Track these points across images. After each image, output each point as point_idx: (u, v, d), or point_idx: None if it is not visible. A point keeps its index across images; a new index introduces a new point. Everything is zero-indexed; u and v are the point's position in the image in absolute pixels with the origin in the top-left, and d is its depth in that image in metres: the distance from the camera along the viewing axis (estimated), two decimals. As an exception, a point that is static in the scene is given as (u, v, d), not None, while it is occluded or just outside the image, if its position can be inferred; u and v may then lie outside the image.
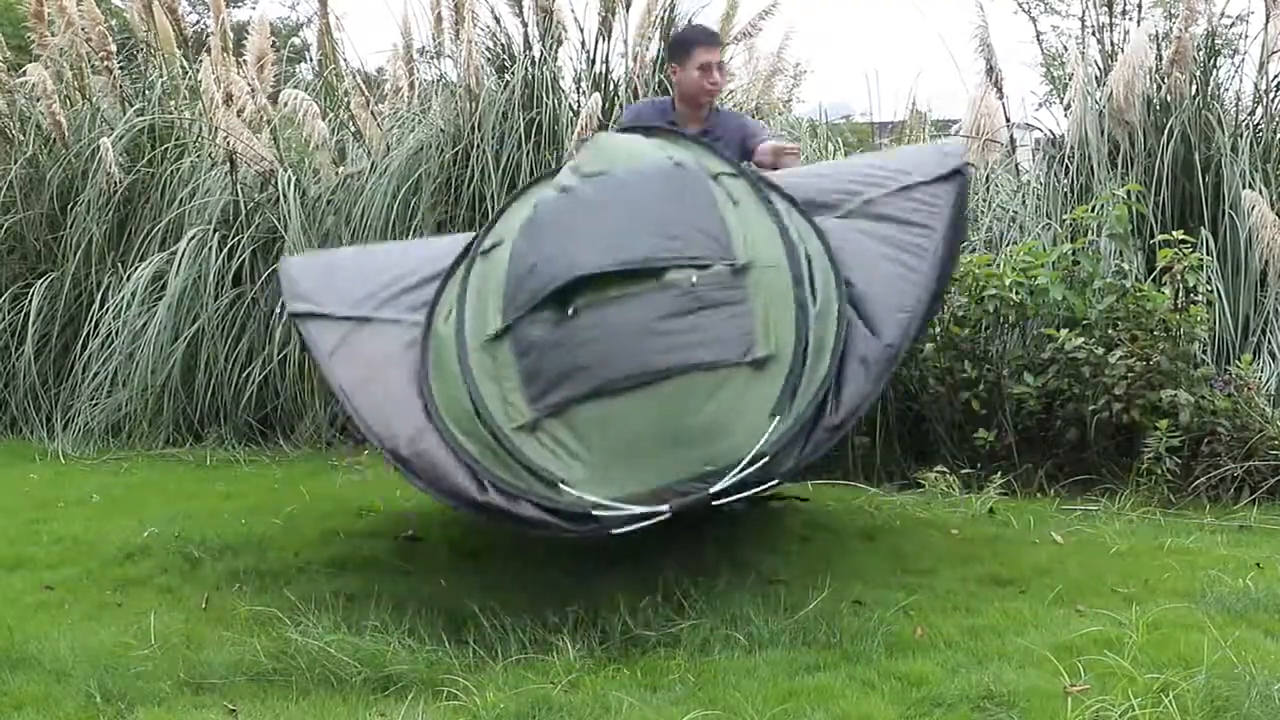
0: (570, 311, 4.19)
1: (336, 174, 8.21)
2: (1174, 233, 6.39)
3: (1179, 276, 6.26)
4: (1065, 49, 9.71)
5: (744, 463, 3.91)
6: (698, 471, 3.91)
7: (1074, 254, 6.58)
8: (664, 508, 3.84)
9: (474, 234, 4.95)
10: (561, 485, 3.91)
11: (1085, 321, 6.39)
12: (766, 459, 3.94)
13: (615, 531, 3.83)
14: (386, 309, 4.66)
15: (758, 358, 4.11)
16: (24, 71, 8.45)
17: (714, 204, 4.53)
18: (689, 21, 8.11)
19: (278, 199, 7.93)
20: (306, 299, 4.74)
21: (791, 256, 4.42)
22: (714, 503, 3.91)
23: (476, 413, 4.15)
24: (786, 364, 4.12)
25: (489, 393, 4.19)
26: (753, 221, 4.52)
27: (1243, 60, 7.78)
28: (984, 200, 7.99)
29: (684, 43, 5.68)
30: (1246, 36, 8.03)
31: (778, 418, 4.01)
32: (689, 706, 3.33)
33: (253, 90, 8.21)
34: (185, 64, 8.81)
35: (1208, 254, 6.72)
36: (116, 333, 7.68)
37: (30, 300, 8.13)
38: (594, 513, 3.84)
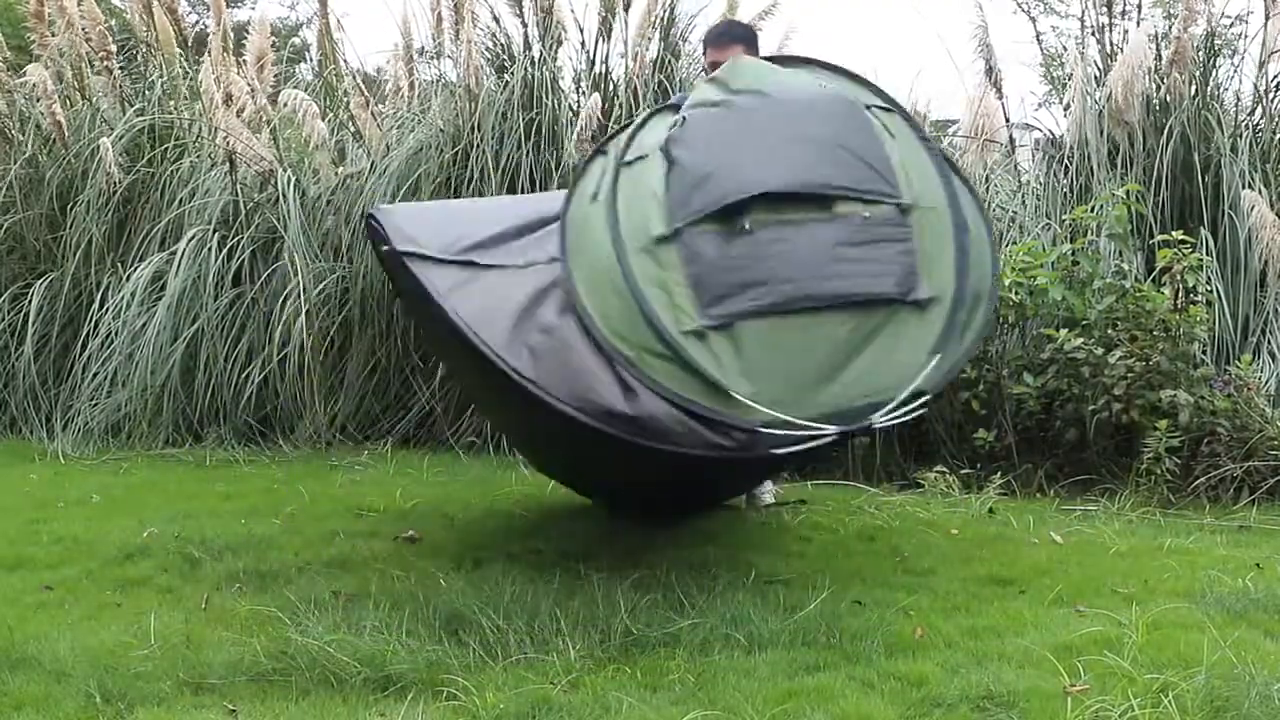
0: (746, 226, 4.19)
1: (336, 174, 8.21)
2: (1173, 233, 6.40)
3: (1178, 277, 6.26)
4: (1064, 49, 9.73)
5: (903, 398, 4.06)
6: (859, 403, 4.04)
7: (1073, 254, 6.59)
8: (830, 429, 3.95)
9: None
10: (734, 395, 3.96)
11: (1085, 322, 6.39)
12: (925, 395, 4.08)
13: (777, 451, 3.97)
14: (499, 256, 4.54)
15: (921, 298, 4.22)
16: (24, 72, 8.45)
17: (877, 136, 4.53)
18: (690, 21, 8.15)
19: (277, 199, 7.93)
20: (413, 241, 4.52)
21: (952, 200, 4.50)
22: (875, 428, 4.09)
23: (641, 312, 4.12)
24: (948, 306, 4.25)
25: (656, 298, 4.15)
26: (911, 160, 4.54)
27: (1242, 60, 7.79)
28: (983, 200, 7.99)
29: (703, 45, 5.77)
30: (1246, 37, 8.04)
31: (939, 355, 4.15)
32: (689, 706, 3.33)
33: (253, 90, 8.21)
34: (185, 64, 8.82)
35: (1207, 254, 6.73)
36: (116, 333, 7.67)
37: (30, 300, 8.13)
38: (760, 429, 3.93)
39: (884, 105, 4.78)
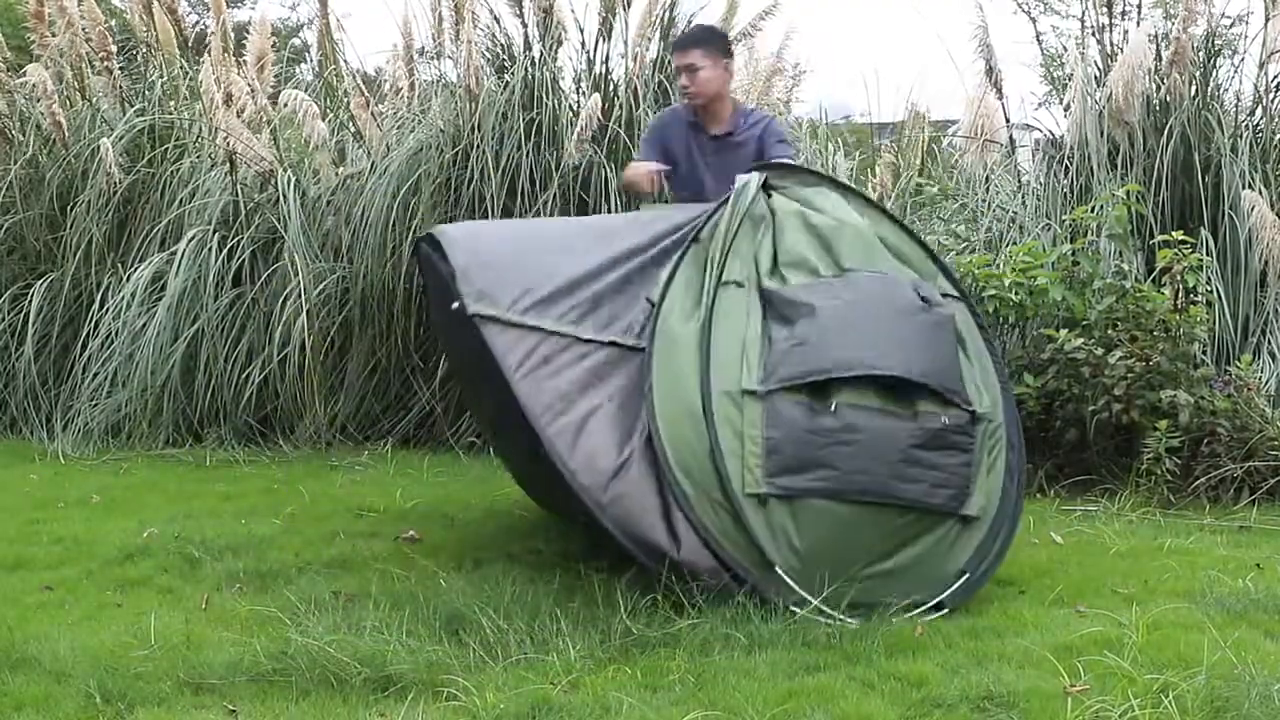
0: (833, 406, 4.18)
1: (336, 174, 8.20)
2: (1174, 233, 6.40)
3: (1179, 277, 6.26)
4: (1065, 49, 9.71)
5: (920, 610, 4.13)
6: (882, 600, 4.10)
7: (1073, 254, 6.59)
8: (852, 623, 3.98)
9: (659, 234, 4.70)
10: (776, 569, 4.05)
11: (1085, 322, 6.40)
12: (939, 608, 4.16)
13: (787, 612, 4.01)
14: (576, 316, 4.42)
15: (969, 515, 4.25)
16: (24, 72, 8.44)
17: (954, 341, 4.51)
18: (689, 21, 8.13)
19: (277, 199, 7.92)
20: (485, 296, 4.35)
21: (1008, 413, 4.55)
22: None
23: (712, 459, 4.12)
24: (986, 527, 4.31)
25: (729, 448, 4.14)
26: (977, 365, 4.56)
27: (1242, 61, 7.79)
28: (984, 200, 7.99)
29: (673, 50, 5.79)
30: (1246, 37, 8.03)
31: (966, 576, 4.23)
32: (689, 707, 3.33)
33: (253, 91, 8.21)
34: (185, 65, 8.81)
35: (1207, 254, 6.73)
36: (116, 333, 7.66)
37: (30, 301, 8.12)
38: (791, 608, 4.01)
39: (953, 293, 4.75)
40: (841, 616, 4.00)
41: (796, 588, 4.03)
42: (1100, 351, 6.17)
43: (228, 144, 7.85)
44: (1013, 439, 4.49)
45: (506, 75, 8.10)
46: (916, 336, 4.39)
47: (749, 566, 4.07)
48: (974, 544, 4.27)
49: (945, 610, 4.16)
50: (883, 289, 4.50)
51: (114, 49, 8.65)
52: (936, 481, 4.19)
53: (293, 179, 7.95)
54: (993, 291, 6.45)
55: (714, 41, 5.71)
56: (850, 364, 4.23)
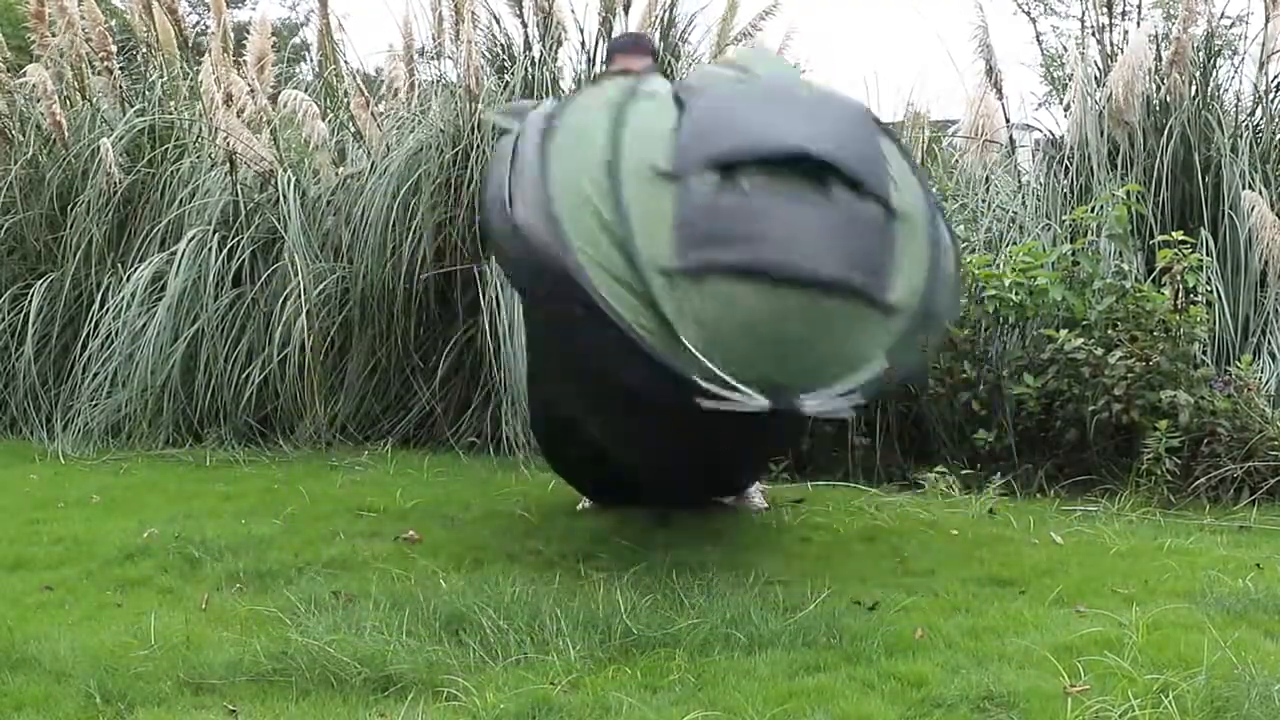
0: (745, 185, 4.21)
1: (336, 174, 8.20)
2: (1174, 233, 6.40)
3: (1179, 277, 6.26)
4: (1065, 49, 9.72)
5: (837, 391, 4.10)
6: (796, 382, 4.06)
7: (1073, 254, 6.59)
8: (759, 400, 3.94)
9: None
10: (684, 343, 3.98)
11: (1085, 322, 6.39)
12: (857, 394, 4.15)
13: (705, 404, 3.95)
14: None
15: (890, 302, 4.25)
16: (24, 72, 8.44)
17: (879, 142, 4.57)
18: (690, 21, 8.14)
19: (277, 199, 7.92)
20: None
21: (932, 217, 4.56)
22: (803, 412, 4.09)
23: (620, 240, 4.12)
24: (909, 316, 4.30)
25: (639, 228, 4.15)
26: (902, 175, 4.57)
27: (1242, 61, 7.79)
28: (984, 200, 7.99)
29: (610, 50, 5.78)
30: (1246, 37, 8.03)
31: (888, 363, 4.20)
32: (689, 707, 3.33)
33: (253, 91, 8.20)
34: (185, 65, 8.81)
35: (1207, 254, 6.73)
36: (116, 333, 7.66)
37: (30, 301, 8.12)
38: (699, 380, 3.94)
39: (882, 128, 4.84)
40: (750, 393, 3.95)
41: (705, 360, 3.96)
42: (1100, 351, 6.17)
43: (228, 144, 7.85)
44: (941, 239, 4.50)
45: (507, 75, 8.11)
46: (837, 122, 4.50)
47: (653, 340, 4.03)
48: (898, 332, 4.26)
49: (860, 400, 4.15)
50: (796, 80, 4.69)
51: (114, 49, 8.65)
52: (851, 263, 4.21)
53: (293, 179, 7.95)
54: (993, 291, 6.45)
55: (642, 46, 5.79)
56: (757, 145, 4.29)
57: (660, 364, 4.01)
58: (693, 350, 3.99)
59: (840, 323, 4.19)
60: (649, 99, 4.63)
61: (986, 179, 8.08)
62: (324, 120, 8.13)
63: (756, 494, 5.84)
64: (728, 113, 4.49)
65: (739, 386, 3.95)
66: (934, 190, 4.68)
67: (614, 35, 6.42)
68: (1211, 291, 6.61)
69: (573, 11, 8.26)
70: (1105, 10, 7.78)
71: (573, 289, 4.09)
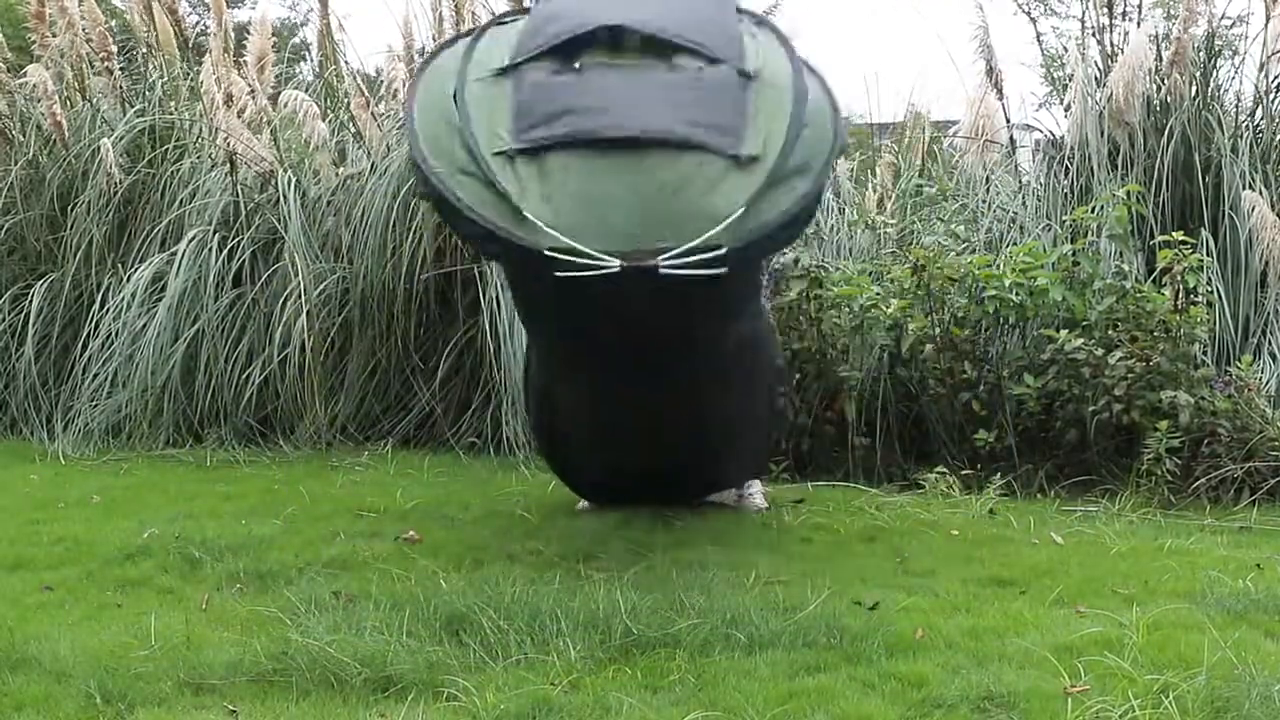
0: (577, 65, 4.38)
1: (337, 175, 8.20)
2: (1174, 234, 6.40)
3: (1179, 277, 6.26)
4: (1065, 50, 9.72)
5: (697, 243, 4.09)
6: (654, 244, 4.09)
7: (1074, 255, 6.59)
8: (613, 263, 4.02)
9: None
10: (527, 215, 4.12)
11: (1085, 322, 6.40)
12: (722, 248, 4.11)
13: (559, 274, 4.05)
14: None
15: (742, 154, 4.25)
16: (25, 72, 8.44)
17: (733, 17, 4.66)
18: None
19: (278, 200, 7.93)
20: None
21: (796, 78, 4.53)
22: (660, 271, 4.07)
23: (462, 136, 4.31)
24: (769, 167, 4.26)
25: (477, 119, 4.33)
26: (765, 50, 4.64)
27: (1242, 61, 7.79)
28: (984, 201, 7.99)
29: None
30: (1246, 37, 8.04)
31: (742, 210, 4.15)
32: (689, 707, 3.33)
33: (253, 91, 8.21)
34: (186, 65, 8.81)
35: (1208, 255, 6.73)
36: (116, 334, 7.66)
37: (30, 301, 8.12)
38: (547, 253, 4.06)
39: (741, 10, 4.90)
40: (602, 256, 4.02)
41: (548, 229, 4.06)
42: (1100, 352, 6.17)
43: (228, 144, 7.85)
44: (804, 92, 4.47)
45: (507, 75, 8.09)
46: (682, 6, 4.67)
47: (501, 223, 4.16)
48: (758, 183, 4.23)
49: (723, 253, 4.10)
50: None
51: (114, 49, 8.65)
52: (695, 120, 4.25)
53: (293, 179, 7.96)
54: (993, 292, 6.45)
55: None
56: (584, 23, 4.44)
57: (508, 240, 4.14)
58: (536, 223, 4.09)
59: (685, 179, 4.20)
60: (512, 22, 4.79)
61: (987, 179, 8.09)
62: (324, 120, 8.13)
63: (757, 494, 5.84)
64: (567, 5, 4.66)
65: (588, 251, 4.02)
66: (798, 56, 4.68)
67: None
68: (1212, 292, 6.61)
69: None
70: (1105, 10, 7.78)
71: (428, 187, 4.37)
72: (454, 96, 4.44)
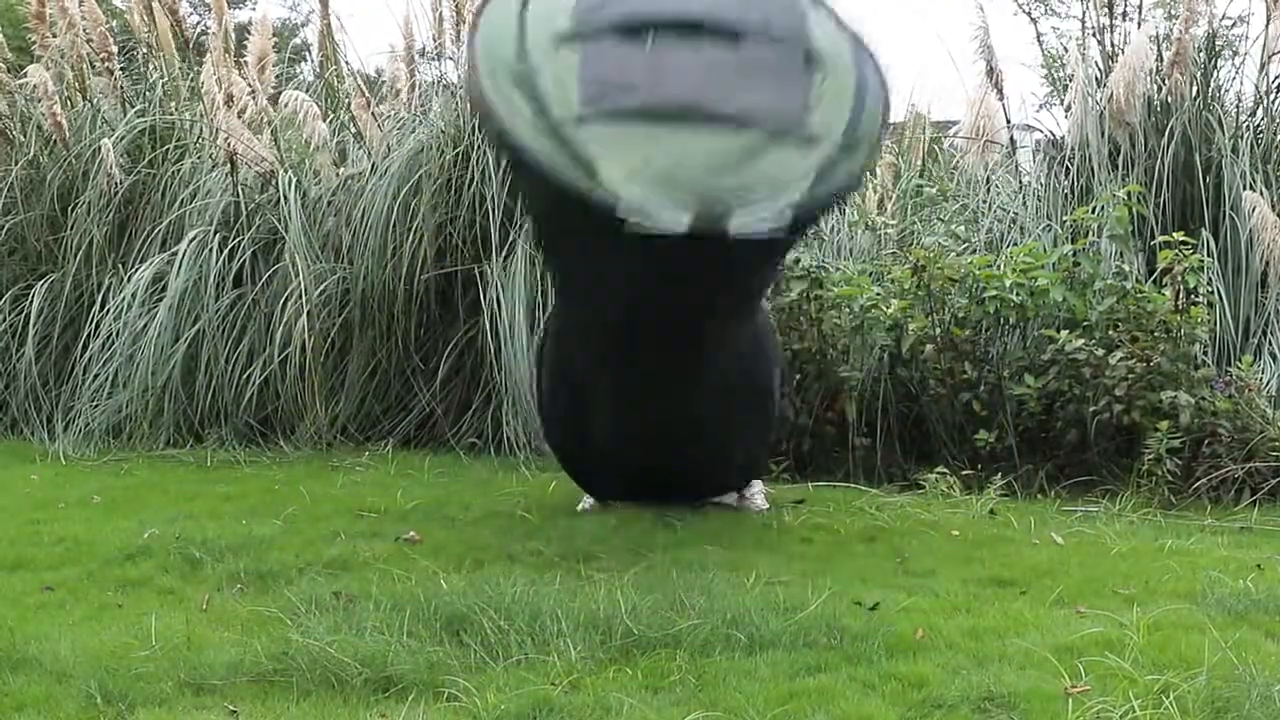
0: (649, 39, 4.55)
1: (337, 175, 8.20)
2: (1174, 234, 6.40)
3: (1179, 278, 6.26)
4: (1065, 50, 9.72)
5: (761, 211, 4.33)
6: (721, 211, 4.30)
7: (1074, 255, 6.59)
8: (684, 219, 4.21)
9: None
10: (600, 174, 4.30)
11: (1086, 323, 6.40)
12: (786, 210, 4.38)
13: (629, 229, 4.23)
14: None
15: (806, 134, 4.52)
16: (25, 72, 8.44)
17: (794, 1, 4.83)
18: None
19: (278, 200, 7.93)
20: None
21: (859, 64, 4.76)
22: (729, 235, 4.30)
23: (534, 95, 4.45)
24: (834, 143, 4.53)
25: (548, 87, 4.46)
26: (826, 30, 4.82)
27: (1243, 62, 7.79)
28: (985, 201, 7.99)
29: None
30: (1247, 38, 8.04)
31: (806, 183, 4.44)
32: (690, 708, 3.33)
33: (253, 91, 8.21)
34: (186, 65, 8.81)
35: (1208, 255, 6.73)
36: (117, 334, 7.66)
37: (31, 301, 8.12)
38: (618, 209, 4.24)
39: None
40: (673, 210, 4.20)
41: (617, 188, 4.25)
42: (1101, 352, 6.17)
43: (228, 145, 7.85)
44: (866, 81, 4.71)
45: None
46: None
47: (574, 179, 4.33)
48: (821, 158, 4.50)
49: (787, 217, 4.36)
50: None
51: (115, 50, 8.65)
52: (763, 100, 4.51)
53: (293, 180, 7.96)
54: (993, 292, 6.45)
55: None
56: (659, 8, 4.63)
57: (579, 196, 4.33)
58: (610, 183, 4.27)
59: (753, 152, 4.44)
60: None
61: (987, 180, 8.09)
62: (325, 121, 8.13)
63: (759, 495, 5.84)
64: None
65: (659, 208, 4.22)
66: (862, 39, 4.90)
67: None
68: (1212, 292, 6.61)
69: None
70: (1106, 11, 7.78)
71: (502, 137, 4.53)
72: (518, 38, 4.58)
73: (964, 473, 6.20)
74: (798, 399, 6.52)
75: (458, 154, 7.78)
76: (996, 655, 3.71)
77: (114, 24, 9.27)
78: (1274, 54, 7.40)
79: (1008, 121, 8.10)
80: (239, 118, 7.93)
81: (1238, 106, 7.65)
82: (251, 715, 3.37)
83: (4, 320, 8.22)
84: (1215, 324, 6.58)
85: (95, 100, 8.70)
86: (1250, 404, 6.00)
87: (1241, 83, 7.74)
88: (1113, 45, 7.79)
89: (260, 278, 7.81)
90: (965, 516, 5.63)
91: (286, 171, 8.01)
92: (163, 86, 8.71)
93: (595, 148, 4.35)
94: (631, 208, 4.22)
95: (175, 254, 7.74)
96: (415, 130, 8.12)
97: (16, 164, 8.50)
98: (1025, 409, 6.37)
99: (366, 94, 8.50)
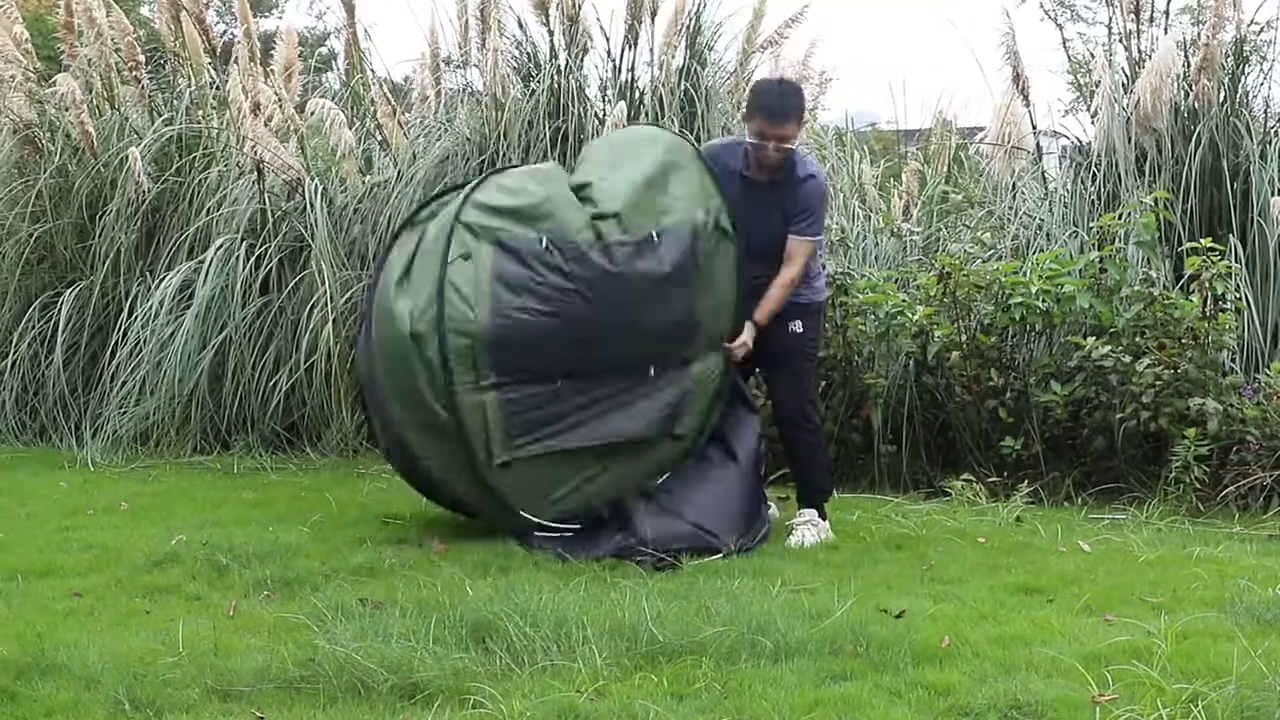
0: (557, 384, 5.21)
1: (363, 182, 8.23)
2: (1202, 240, 6.37)
3: (1207, 284, 6.23)
4: (1092, 56, 9.68)
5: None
6: (592, 506, 5.33)
7: (1101, 262, 6.56)
8: (561, 528, 5.20)
9: None
10: (520, 512, 5.21)
11: (1112, 329, 6.37)
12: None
13: (538, 534, 5.18)
14: None
15: (677, 434, 5.44)
16: (54, 82, 8.50)
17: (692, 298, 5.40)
18: (716, 30, 8.14)
19: (305, 207, 7.96)
20: None
21: (726, 365, 5.49)
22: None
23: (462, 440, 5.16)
24: (688, 443, 5.48)
25: (470, 423, 5.14)
26: (714, 299, 5.47)
27: (1271, 67, 7.74)
28: (1010, 208, 7.97)
29: (751, 104, 5.48)
30: (1275, 43, 7.97)
31: (665, 474, 5.47)
32: (715, 715, 3.33)
33: (280, 99, 8.24)
34: (213, 74, 8.86)
35: (1236, 261, 6.69)
36: (144, 341, 7.70)
37: (59, 309, 8.17)
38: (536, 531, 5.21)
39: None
40: (561, 526, 5.18)
41: (525, 514, 5.19)
42: (1128, 359, 6.14)
43: (255, 152, 7.88)
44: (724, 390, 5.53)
45: (532, 84, 8.12)
46: (636, 312, 5.30)
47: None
48: (678, 453, 5.47)
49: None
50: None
51: (142, 59, 8.70)
52: (647, 419, 5.36)
53: (320, 187, 7.99)
54: (1019, 299, 6.43)
55: (803, 108, 5.58)
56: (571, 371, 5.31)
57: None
58: (522, 514, 5.22)
59: (640, 455, 5.40)
60: (461, 262, 5.23)
61: (1013, 186, 8.06)
62: (351, 128, 8.17)
63: (808, 530, 5.43)
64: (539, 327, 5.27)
65: (548, 524, 5.22)
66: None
67: (760, 83, 5.83)
68: (1240, 299, 6.57)
69: (598, 19, 8.27)
70: (1132, 16, 7.75)
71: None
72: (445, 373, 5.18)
73: (990, 480, 6.19)
74: (823, 406, 6.51)
75: (483, 161, 7.80)
76: (1023, 663, 3.69)
77: (141, 33, 9.32)
78: (1301, 59, 7.36)
79: (1034, 128, 8.07)
80: (266, 126, 7.96)
81: (1265, 112, 7.61)
82: (278, 721, 3.38)
83: (33, 328, 8.27)
84: (1243, 330, 6.55)
85: (123, 109, 8.75)
86: (1279, 411, 5.97)
87: (1269, 88, 7.70)
88: (1139, 51, 7.76)
89: (286, 285, 7.84)
90: (991, 524, 5.62)
91: (313, 179, 8.04)
92: (190, 95, 8.76)
93: (514, 485, 5.22)
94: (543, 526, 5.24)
95: (202, 261, 7.78)
96: (440, 138, 8.15)
97: (45, 172, 8.55)
98: (1051, 416, 6.35)
99: (392, 102, 8.53)
